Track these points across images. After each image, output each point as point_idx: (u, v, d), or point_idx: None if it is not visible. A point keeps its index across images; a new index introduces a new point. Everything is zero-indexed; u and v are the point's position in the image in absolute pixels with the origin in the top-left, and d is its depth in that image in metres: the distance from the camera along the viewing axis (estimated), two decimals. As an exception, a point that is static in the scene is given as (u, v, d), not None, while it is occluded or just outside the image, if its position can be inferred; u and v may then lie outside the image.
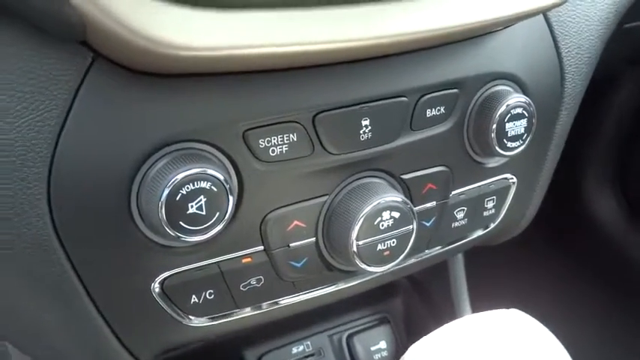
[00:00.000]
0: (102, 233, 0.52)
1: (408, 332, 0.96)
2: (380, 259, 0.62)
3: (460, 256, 0.97)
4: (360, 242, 0.60)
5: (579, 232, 1.52)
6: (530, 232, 0.91)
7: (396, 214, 0.62)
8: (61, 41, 0.48)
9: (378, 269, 0.63)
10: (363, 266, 0.62)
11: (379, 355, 0.92)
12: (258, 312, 0.63)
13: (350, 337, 0.92)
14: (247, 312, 0.62)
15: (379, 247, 0.62)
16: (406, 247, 0.64)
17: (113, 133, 0.50)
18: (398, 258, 0.64)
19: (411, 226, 0.63)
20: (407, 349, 0.97)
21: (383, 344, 0.93)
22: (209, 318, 0.60)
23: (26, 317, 0.56)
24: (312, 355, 0.91)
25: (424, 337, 0.58)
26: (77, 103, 0.49)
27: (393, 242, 0.63)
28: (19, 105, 0.47)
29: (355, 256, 0.61)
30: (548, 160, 0.79)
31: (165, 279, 0.56)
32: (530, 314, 0.65)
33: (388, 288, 0.97)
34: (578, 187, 1.51)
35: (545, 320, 0.66)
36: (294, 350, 0.90)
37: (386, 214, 0.61)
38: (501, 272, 1.38)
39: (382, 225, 0.61)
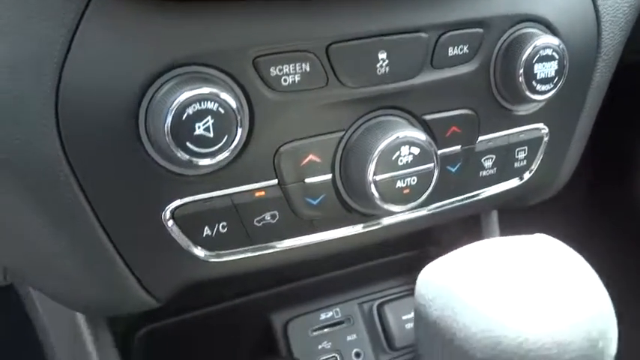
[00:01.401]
0: (110, 156, 0.52)
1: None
2: (399, 198, 0.60)
3: (494, 223, 0.93)
4: (378, 177, 0.59)
5: (628, 209, 1.42)
6: (571, 200, 0.86)
7: (416, 150, 0.60)
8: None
9: (398, 208, 0.61)
10: (382, 204, 0.60)
11: (411, 325, 0.89)
12: (273, 250, 0.61)
13: (380, 305, 0.89)
14: (262, 250, 0.61)
15: (398, 184, 0.60)
16: (427, 188, 0.61)
17: (120, 54, 0.50)
18: (419, 198, 0.61)
19: (431, 165, 0.61)
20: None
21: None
22: (222, 253, 0.59)
23: (37, 245, 0.57)
24: (341, 322, 0.89)
25: (441, 257, 0.54)
26: (84, 22, 0.49)
27: (413, 180, 0.60)
28: (27, 20, 0.48)
29: (373, 193, 0.59)
30: (585, 113, 0.75)
31: (176, 208, 0.56)
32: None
33: (418, 258, 0.93)
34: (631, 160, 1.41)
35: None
36: (323, 316, 0.88)
37: (405, 150, 0.59)
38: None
39: (401, 161, 0.59)
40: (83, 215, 0.54)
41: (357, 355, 0.88)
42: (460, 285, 0.46)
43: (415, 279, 0.95)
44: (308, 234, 0.62)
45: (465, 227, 0.91)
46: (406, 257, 0.92)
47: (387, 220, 0.66)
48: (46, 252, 0.57)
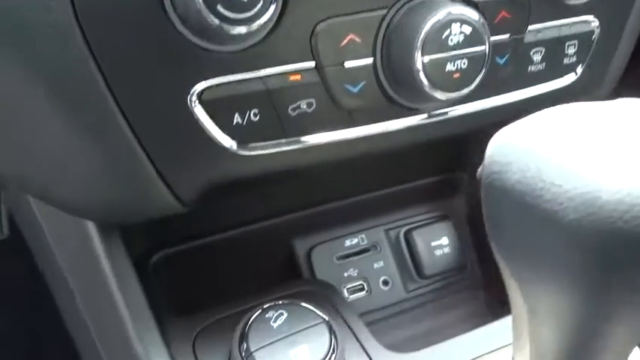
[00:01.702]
0: (129, 27, 0.45)
1: (472, 231, 0.87)
2: (448, 83, 0.54)
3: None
4: (426, 58, 0.52)
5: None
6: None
7: (467, 30, 0.53)
8: None
9: (445, 96, 0.55)
10: (429, 90, 0.53)
11: (441, 252, 0.84)
12: (308, 145, 0.55)
13: (409, 232, 0.84)
14: (297, 144, 0.55)
15: (448, 66, 0.53)
16: (478, 73, 0.55)
17: None
18: (469, 85, 0.55)
19: (484, 47, 0.54)
20: (471, 247, 0.88)
21: (445, 240, 0.84)
22: (253, 146, 0.53)
23: (50, 142, 0.50)
24: (367, 249, 0.83)
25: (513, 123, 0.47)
26: None
27: (464, 63, 0.54)
28: None
29: (420, 77, 0.53)
30: (637, 8, 0.69)
31: (203, 91, 0.49)
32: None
33: (448, 184, 0.88)
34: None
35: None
36: (348, 243, 0.82)
37: (456, 28, 0.53)
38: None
39: (451, 40, 0.53)
40: (101, 100, 0.47)
41: (385, 282, 0.82)
42: (544, 144, 0.40)
43: (444, 205, 0.90)
44: (346, 127, 0.56)
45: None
46: (434, 182, 0.86)
47: (429, 116, 0.60)
48: (59, 148, 0.51)
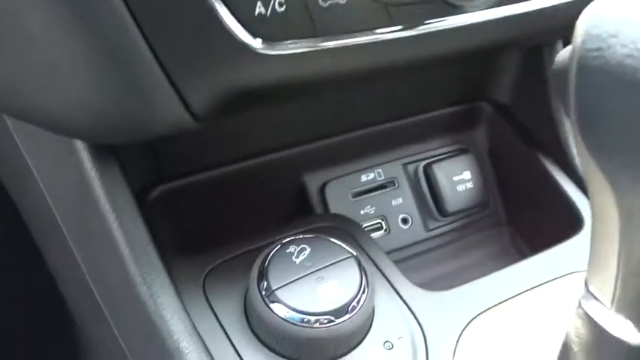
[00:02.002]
0: None
1: (495, 165, 0.81)
2: None
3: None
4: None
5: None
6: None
7: None
8: None
9: None
10: None
11: (463, 187, 0.77)
12: (340, 45, 0.47)
13: (428, 165, 0.77)
14: (327, 42, 0.47)
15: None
16: None
17: None
18: None
19: None
20: (494, 183, 0.82)
21: (467, 175, 0.78)
22: (277, 44, 0.45)
23: (42, 47, 0.42)
24: (384, 185, 0.76)
25: None
26: None
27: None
28: None
29: None
30: None
31: (220, -27, 0.41)
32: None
33: (468, 115, 0.81)
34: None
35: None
36: (364, 178, 0.75)
37: None
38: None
39: None
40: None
41: (404, 221, 0.76)
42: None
43: (465, 137, 0.83)
44: (382, 26, 0.48)
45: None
46: (454, 113, 0.79)
47: (472, 16, 0.52)
48: (50, 46, 0.42)
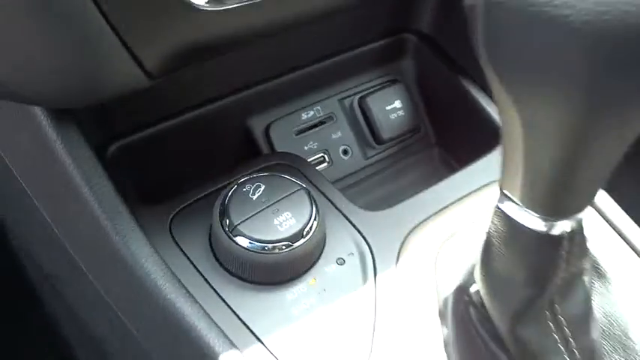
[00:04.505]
0: None
1: (422, 93, 0.88)
2: None
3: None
4: None
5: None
6: None
7: None
8: None
9: None
10: None
11: (395, 115, 0.84)
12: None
13: (362, 98, 0.83)
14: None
15: None
16: None
17: None
18: None
19: None
20: (423, 109, 0.90)
21: (398, 103, 0.85)
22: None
23: None
24: (323, 121, 0.82)
25: None
26: None
27: None
28: None
29: None
30: None
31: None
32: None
33: (395, 47, 0.87)
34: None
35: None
36: (304, 116, 0.81)
37: None
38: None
39: None
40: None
41: (345, 152, 0.82)
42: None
43: (393, 68, 0.89)
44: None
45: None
46: (382, 46, 0.85)
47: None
48: (2, 23, 0.45)
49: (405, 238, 0.66)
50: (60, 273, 0.75)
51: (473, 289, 0.61)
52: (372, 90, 0.84)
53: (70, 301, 0.80)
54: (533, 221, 0.48)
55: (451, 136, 0.87)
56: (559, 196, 0.47)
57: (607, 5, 0.35)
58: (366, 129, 0.84)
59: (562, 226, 0.49)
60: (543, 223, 0.48)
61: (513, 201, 0.49)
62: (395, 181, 0.85)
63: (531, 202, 0.48)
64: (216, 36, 0.51)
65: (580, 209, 0.49)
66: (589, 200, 0.49)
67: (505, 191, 0.50)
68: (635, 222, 0.72)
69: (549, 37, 0.37)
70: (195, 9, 0.48)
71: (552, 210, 0.48)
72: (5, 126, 0.60)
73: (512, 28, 0.39)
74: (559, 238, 0.49)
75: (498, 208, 0.51)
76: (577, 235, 0.50)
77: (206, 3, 0.48)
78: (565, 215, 0.48)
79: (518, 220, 0.49)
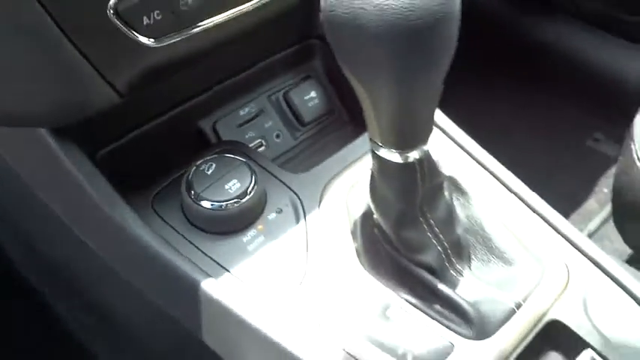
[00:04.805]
0: None
1: (332, 83, 1.12)
2: None
3: None
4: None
5: None
6: None
7: None
8: None
9: None
10: None
11: (313, 103, 1.09)
12: (200, 29, 0.76)
13: (286, 93, 1.07)
14: (192, 29, 0.75)
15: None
16: None
17: None
18: None
19: None
20: (335, 96, 1.14)
21: (313, 94, 1.09)
22: (161, 38, 0.73)
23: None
24: (257, 115, 1.06)
25: None
26: None
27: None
28: None
29: None
30: None
31: (116, 4, 0.67)
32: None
33: (306, 51, 1.11)
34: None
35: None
36: (242, 113, 1.04)
37: None
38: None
39: None
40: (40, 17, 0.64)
41: (278, 136, 1.06)
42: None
43: (306, 68, 1.14)
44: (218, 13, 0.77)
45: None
46: (296, 51, 1.09)
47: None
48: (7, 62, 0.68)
49: (324, 187, 0.90)
50: (63, 251, 0.98)
51: (374, 215, 0.85)
52: (292, 86, 1.08)
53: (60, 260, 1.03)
54: (392, 155, 0.73)
55: (360, 115, 1.12)
56: (404, 134, 0.71)
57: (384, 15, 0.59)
58: (292, 116, 1.08)
59: (412, 155, 0.73)
60: (399, 155, 0.73)
61: (377, 144, 0.74)
62: (319, 154, 1.09)
63: (388, 142, 0.72)
64: (165, 62, 0.75)
65: (423, 142, 0.73)
66: (426, 135, 0.73)
67: (372, 139, 0.75)
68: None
69: (362, 39, 0.61)
70: (145, 46, 0.71)
71: (402, 145, 0.72)
72: (17, 143, 0.83)
73: (344, 35, 0.63)
74: (412, 164, 0.74)
75: (372, 151, 0.76)
76: (425, 161, 0.75)
77: (152, 42, 0.72)
78: (412, 147, 0.73)
79: (383, 156, 0.74)
